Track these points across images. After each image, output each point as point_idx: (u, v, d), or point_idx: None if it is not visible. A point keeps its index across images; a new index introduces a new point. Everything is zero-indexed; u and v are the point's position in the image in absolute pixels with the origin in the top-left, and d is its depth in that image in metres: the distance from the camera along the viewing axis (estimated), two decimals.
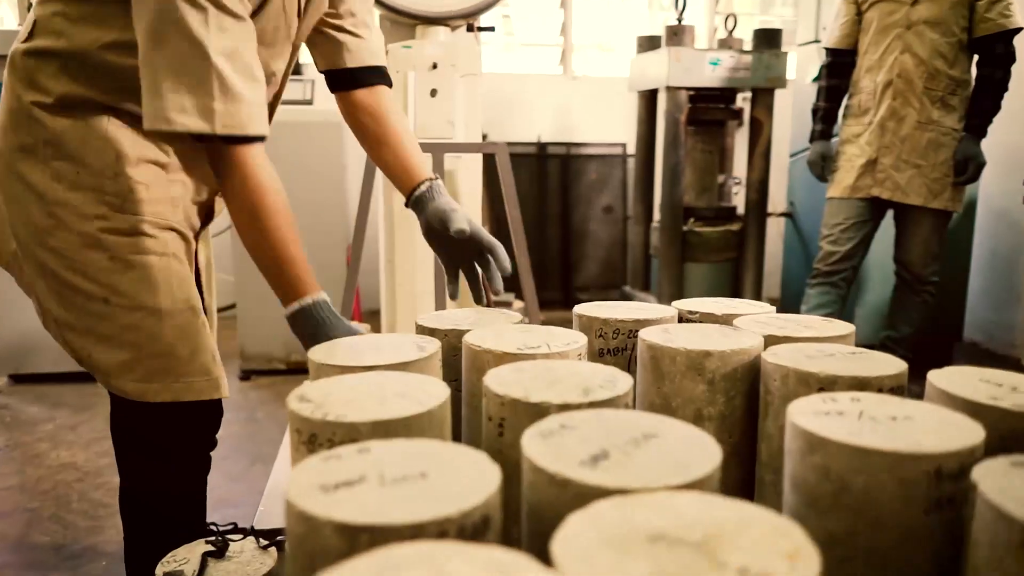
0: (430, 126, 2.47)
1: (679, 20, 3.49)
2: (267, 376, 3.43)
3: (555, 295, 4.80)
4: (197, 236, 1.31)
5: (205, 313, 1.28)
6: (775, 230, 4.33)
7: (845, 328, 0.96)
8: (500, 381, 0.71)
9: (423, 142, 2.48)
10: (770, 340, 0.92)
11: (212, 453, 1.35)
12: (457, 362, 0.93)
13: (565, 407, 0.67)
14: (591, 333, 1.01)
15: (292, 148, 3.24)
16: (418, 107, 2.45)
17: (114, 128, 1.13)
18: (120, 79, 1.09)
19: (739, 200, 3.90)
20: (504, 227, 4.46)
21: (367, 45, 1.33)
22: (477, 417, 0.85)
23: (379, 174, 2.66)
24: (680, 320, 1.06)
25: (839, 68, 2.86)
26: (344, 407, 0.65)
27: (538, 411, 0.67)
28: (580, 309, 1.03)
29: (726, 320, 1.03)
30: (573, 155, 4.78)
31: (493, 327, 0.95)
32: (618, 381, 0.73)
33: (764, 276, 3.75)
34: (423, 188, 1.26)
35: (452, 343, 0.97)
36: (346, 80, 1.32)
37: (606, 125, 4.86)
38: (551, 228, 4.76)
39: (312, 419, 0.64)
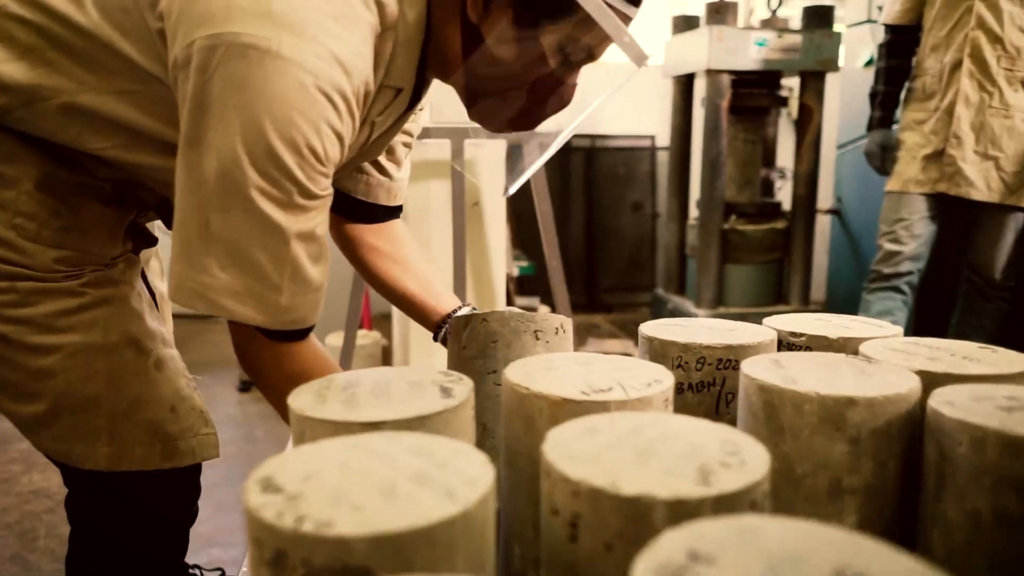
0: (448, 108, 2.22)
1: None
2: None
3: (579, 297, 4.55)
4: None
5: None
6: (819, 228, 4.06)
7: (1021, 361, 0.70)
8: (568, 452, 0.46)
9: (439, 127, 2.26)
10: (926, 378, 0.66)
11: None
12: (495, 351, 0.79)
13: (679, 505, 0.42)
14: (666, 362, 0.76)
15: None
16: (436, 88, 2.19)
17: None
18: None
19: (783, 195, 3.64)
20: (528, 224, 4.26)
21: (396, 185, 1.15)
22: (524, 485, 0.60)
23: None
24: (780, 345, 0.81)
25: (900, 47, 2.58)
26: (330, 504, 0.40)
27: (636, 511, 0.42)
28: (648, 330, 0.79)
29: (844, 346, 0.78)
30: (598, 148, 4.55)
31: (524, 341, 0.79)
32: (744, 452, 0.48)
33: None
34: (461, 314, 1.07)
35: (492, 328, 0.82)
36: (357, 212, 1.13)
37: (633, 116, 4.62)
38: (574, 225, 4.51)
39: (280, 528, 0.39)
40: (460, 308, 1.10)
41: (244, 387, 3.16)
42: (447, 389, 0.61)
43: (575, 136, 4.48)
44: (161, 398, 0.97)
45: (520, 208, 3.65)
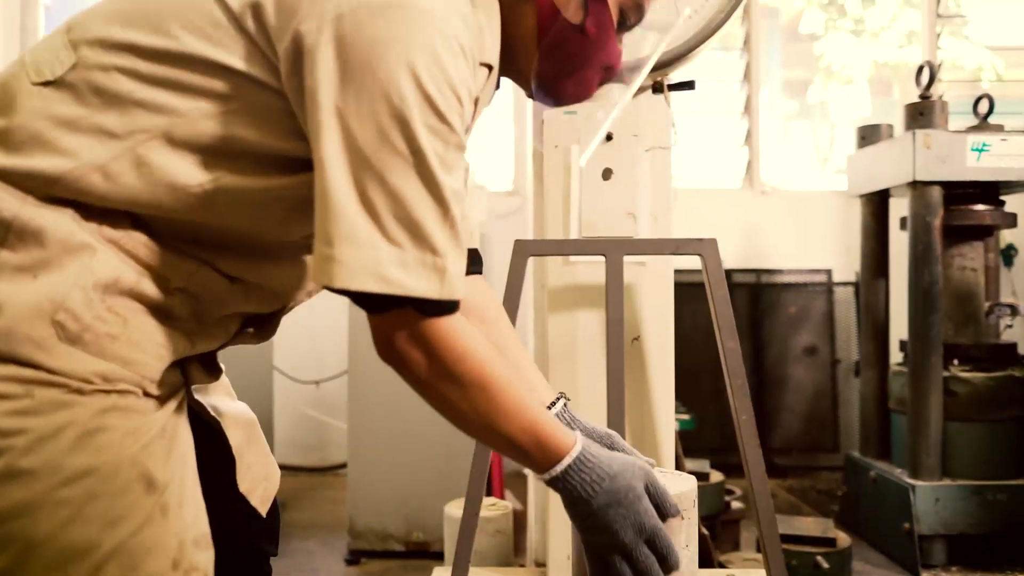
0: (602, 220, 1.79)
1: (925, 96, 2.71)
2: (380, 559, 2.78)
3: None
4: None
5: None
6: None
7: None
8: None
9: (590, 240, 1.83)
10: None
11: None
12: None
13: None
14: None
15: None
16: (585, 194, 1.78)
17: None
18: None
19: (1015, 335, 2.96)
20: (687, 366, 3.73)
21: (469, 219, 1.06)
22: None
23: (526, 297, 2.00)
24: None
25: None
26: None
27: None
28: None
29: None
30: (764, 284, 4.07)
31: None
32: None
33: None
34: (555, 411, 1.10)
35: None
36: None
37: (804, 248, 4.14)
38: None
39: None
40: (555, 403, 1.11)
41: (352, 558, 2.81)
42: None
43: (738, 270, 4.05)
44: (164, 549, 0.85)
45: (689, 343, 3.20)
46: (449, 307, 0.82)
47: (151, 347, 0.85)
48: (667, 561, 0.92)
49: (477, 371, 0.86)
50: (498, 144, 4.27)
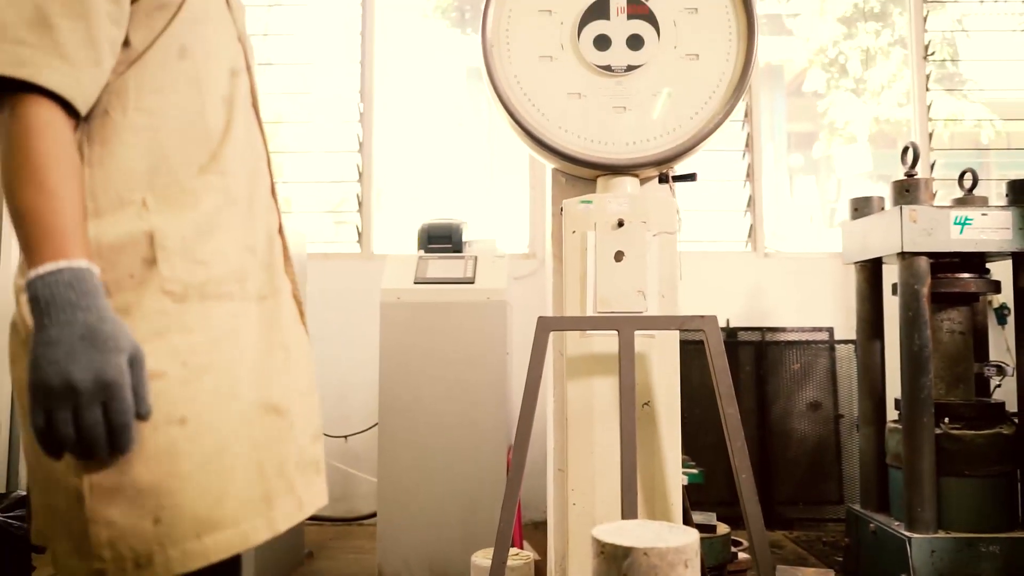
0: (615, 297, 1.98)
1: (910, 174, 2.91)
2: None
3: None
4: None
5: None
6: None
7: None
8: None
9: (607, 316, 2.03)
10: None
11: None
12: None
13: None
14: None
15: (452, 330, 2.88)
16: (600, 274, 1.97)
17: None
18: None
19: (1004, 394, 3.09)
20: (694, 424, 3.87)
21: None
22: None
23: (549, 358, 2.19)
24: None
25: None
26: None
27: None
28: None
29: None
30: (769, 341, 4.17)
31: None
32: None
33: None
34: None
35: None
36: None
37: (806, 307, 4.27)
38: (746, 427, 4.00)
39: None
40: None
41: None
42: None
43: (744, 328, 4.19)
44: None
45: (683, 407, 3.29)
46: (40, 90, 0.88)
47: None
48: (119, 437, 0.82)
49: (32, 143, 0.88)
50: (515, 209, 4.47)
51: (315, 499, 1.07)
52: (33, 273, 0.83)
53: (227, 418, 0.95)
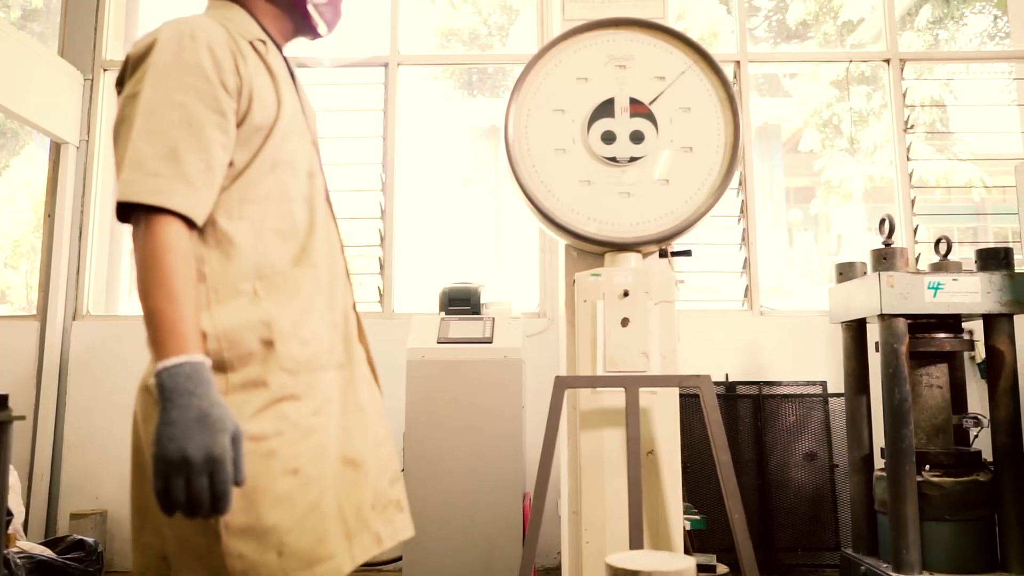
0: (622, 358, 2.25)
1: (887, 243, 3.20)
2: None
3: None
4: None
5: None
6: None
7: None
8: None
9: (615, 375, 2.29)
10: None
11: None
12: None
13: None
14: None
15: (472, 385, 3.13)
16: (608, 338, 2.25)
17: None
18: None
19: (982, 444, 3.31)
20: (697, 475, 4.09)
21: None
22: None
23: (565, 414, 2.44)
24: None
25: None
26: None
27: None
28: None
29: None
30: (766, 395, 4.38)
31: None
32: None
33: None
34: None
35: None
36: None
37: (800, 362, 4.49)
38: (745, 476, 4.26)
39: None
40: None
41: None
42: None
43: (741, 383, 4.42)
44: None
45: (688, 458, 3.52)
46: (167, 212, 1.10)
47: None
48: (219, 501, 1.00)
49: (162, 257, 1.08)
50: (525, 271, 4.75)
51: (397, 533, 1.33)
52: (160, 365, 1.02)
53: (324, 471, 1.20)
